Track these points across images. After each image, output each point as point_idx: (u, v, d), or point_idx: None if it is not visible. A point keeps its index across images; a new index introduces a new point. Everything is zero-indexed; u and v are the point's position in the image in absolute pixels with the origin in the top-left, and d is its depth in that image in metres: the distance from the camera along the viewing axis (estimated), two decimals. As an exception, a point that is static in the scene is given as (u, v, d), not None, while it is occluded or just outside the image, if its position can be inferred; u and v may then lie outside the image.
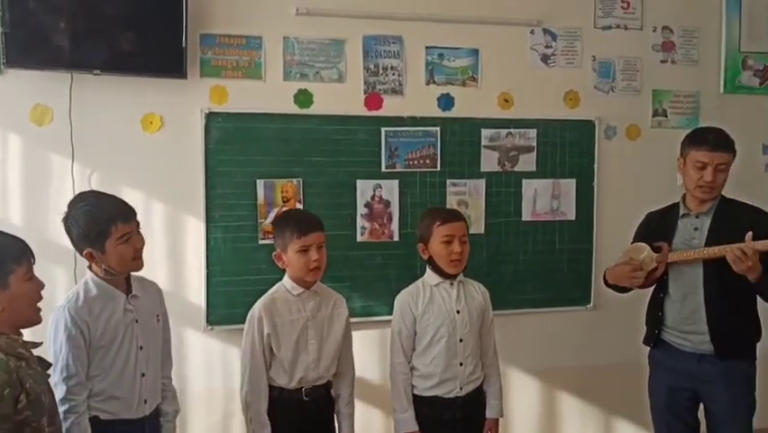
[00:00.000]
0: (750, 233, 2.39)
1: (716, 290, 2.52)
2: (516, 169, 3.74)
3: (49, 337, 2.11)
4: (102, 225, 2.11)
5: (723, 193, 2.65)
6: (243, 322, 3.34)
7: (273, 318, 2.42)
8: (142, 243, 2.24)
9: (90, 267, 2.20)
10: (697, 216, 2.64)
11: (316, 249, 2.41)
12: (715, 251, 2.46)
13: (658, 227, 2.73)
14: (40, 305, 1.90)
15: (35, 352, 1.87)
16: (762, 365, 2.66)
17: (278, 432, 2.40)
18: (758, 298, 2.59)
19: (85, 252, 2.14)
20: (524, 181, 3.76)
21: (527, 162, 3.76)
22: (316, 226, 2.46)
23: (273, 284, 3.32)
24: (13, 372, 1.72)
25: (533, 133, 3.76)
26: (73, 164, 3.21)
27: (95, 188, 3.20)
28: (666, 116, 3.93)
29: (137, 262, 2.23)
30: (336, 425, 2.56)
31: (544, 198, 3.80)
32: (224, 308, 3.42)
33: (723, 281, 2.49)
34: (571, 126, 3.81)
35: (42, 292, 1.91)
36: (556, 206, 3.82)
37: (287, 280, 2.49)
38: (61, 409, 2.01)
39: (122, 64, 3.17)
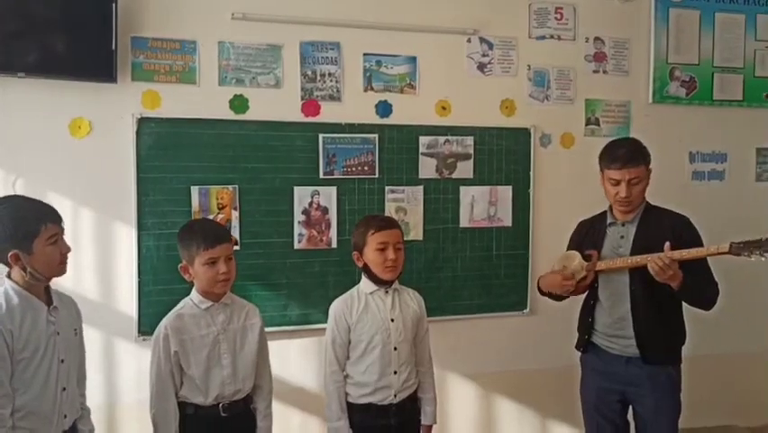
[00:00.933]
0: (668, 243, 2.46)
1: (641, 297, 2.59)
2: (453, 176, 3.77)
3: None
4: (31, 224, 2.05)
5: (649, 200, 2.72)
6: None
7: (181, 335, 2.35)
8: (68, 249, 2.19)
9: (9, 275, 2.11)
10: (623, 225, 2.71)
11: (225, 261, 2.35)
12: (637, 260, 2.53)
13: (589, 235, 2.79)
14: None
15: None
16: (686, 368, 2.74)
17: None
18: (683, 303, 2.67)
19: (10, 253, 2.06)
20: (461, 188, 3.79)
21: (465, 169, 3.79)
22: (224, 237, 2.40)
23: (207, 293, 3.28)
24: None
25: (470, 140, 3.79)
26: (-4, 170, 3.10)
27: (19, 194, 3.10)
28: (599, 125, 4.03)
29: (62, 267, 2.17)
30: None
31: (482, 205, 3.84)
32: (157, 318, 3.19)
33: (648, 289, 2.56)
34: (508, 134, 3.86)
35: None
36: (493, 212, 3.86)
37: (194, 294, 2.42)
38: None
39: (49, 67, 3.06)
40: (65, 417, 2.16)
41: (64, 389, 2.15)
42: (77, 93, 3.17)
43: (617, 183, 2.63)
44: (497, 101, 3.86)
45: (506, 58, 3.86)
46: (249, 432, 2.47)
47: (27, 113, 3.13)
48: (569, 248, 2.82)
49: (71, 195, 3.19)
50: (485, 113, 3.83)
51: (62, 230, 2.19)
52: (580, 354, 2.88)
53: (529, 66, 3.90)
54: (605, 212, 2.79)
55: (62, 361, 2.15)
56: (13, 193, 3.11)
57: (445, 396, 3.72)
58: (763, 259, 2.35)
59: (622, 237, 2.70)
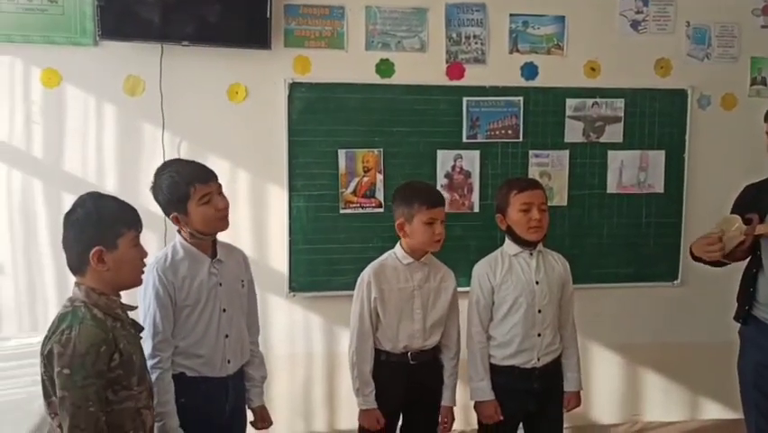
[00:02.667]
0: None
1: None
2: (601, 139, 3.64)
3: (139, 295, 2.21)
4: (182, 188, 2.19)
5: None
6: (324, 289, 3.49)
7: (381, 284, 2.48)
8: (225, 204, 2.27)
9: (179, 231, 2.29)
10: (793, 190, 2.50)
11: (441, 223, 2.45)
12: None
13: (755, 200, 2.60)
14: None
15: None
16: None
17: (385, 394, 2.47)
18: None
19: (171, 216, 2.23)
20: (609, 152, 3.65)
21: (614, 133, 3.64)
22: (443, 201, 2.53)
23: (354, 253, 3.42)
24: (110, 331, 1.80)
25: (620, 102, 3.63)
26: (163, 133, 3.34)
27: (183, 156, 3.34)
28: (765, 85, 3.72)
29: (222, 223, 2.27)
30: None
31: (631, 170, 3.68)
32: (306, 276, 3.49)
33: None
34: (662, 95, 3.66)
35: None
36: (644, 178, 3.69)
37: (398, 249, 2.54)
38: (148, 363, 2.11)
39: (209, 35, 3.25)
40: (228, 361, 2.32)
41: (227, 336, 2.30)
42: (235, 60, 3.34)
43: None
44: (651, 61, 3.66)
45: (662, 14, 3.64)
46: (436, 381, 2.58)
47: (190, 79, 3.35)
48: (732, 213, 2.64)
49: (229, 157, 3.39)
50: (637, 73, 3.65)
51: (217, 187, 2.27)
52: (737, 327, 2.71)
53: (688, 22, 3.65)
54: (774, 176, 2.59)
55: (224, 310, 2.30)
56: (178, 156, 3.36)
57: (588, 366, 3.64)
58: None
59: (791, 204, 2.49)
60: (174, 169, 2.25)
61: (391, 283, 2.49)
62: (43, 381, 1.81)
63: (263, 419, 2.52)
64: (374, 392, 2.46)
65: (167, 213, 2.26)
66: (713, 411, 3.86)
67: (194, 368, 2.26)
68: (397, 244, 2.54)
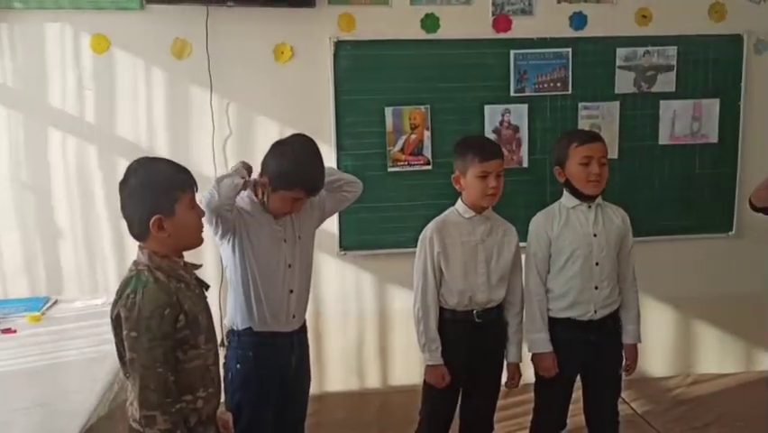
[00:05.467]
0: None
1: None
2: (653, 89, 3.56)
3: None
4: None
5: None
6: (375, 248, 3.50)
7: (444, 239, 2.48)
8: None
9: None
10: None
11: (495, 176, 2.42)
12: None
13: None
14: None
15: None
16: None
17: (451, 351, 2.47)
18: None
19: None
20: (661, 103, 3.58)
21: (666, 82, 3.56)
22: (498, 154, 2.47)
23: (403, 211, 3.42)
24: (174, 293, 1.82)
25: (672, 50, 3.54)
26: (212, 95, 3.36)
27: (231, 118, 3.37)
28: (825, 27, 3.58)
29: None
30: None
31: (684, 120, 3.60)
32: (356, 234, 3.52)
33: None
34: (716, 42, 3.56)
35: None
36: (697, 128, 3.61)
37: (459, 204, 2.53)
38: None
39: (253, -5, 3.24)
40: (293, 317, 2.37)
41: (291, 291, 2.34)
42: (280, 19, 3.33)
43: None
44: (704, 5, 3.56)
45: (717, -43, 3.51)
46: (501, 340, 2.58)
47: (236, 41, 3.35)
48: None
49: (277, 117, 3.40)
50: (690, 19, 3.55)
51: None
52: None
53: (744, -36, 3.52)
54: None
55: (290, 266, 2.34)
56: (226, 118, 3.39)
57: (642, 319, 3.60)
58: None
59: None
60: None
61: (454, 237, 2.48)
62: (116, 343, 1.86)
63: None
64: (440, 349, 2.46)
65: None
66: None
67: (260, 322, 2.30)
68: (459, 200, 2.53)
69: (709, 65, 3.57)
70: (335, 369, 3.65)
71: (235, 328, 2.34)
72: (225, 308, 2.46)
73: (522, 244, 2.61)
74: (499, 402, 2.67)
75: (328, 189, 2.43)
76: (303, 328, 2.44)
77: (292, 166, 2.20)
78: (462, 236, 2.48)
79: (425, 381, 2.52)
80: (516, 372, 2.57)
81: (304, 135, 2.31)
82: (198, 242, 1.97)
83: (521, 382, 2.58)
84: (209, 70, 3.32)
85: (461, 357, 2.47)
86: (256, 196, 2.30)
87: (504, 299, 2.55)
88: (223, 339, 2.47)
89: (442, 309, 2.49)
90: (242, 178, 2.25)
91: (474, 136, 2.64)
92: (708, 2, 3.54)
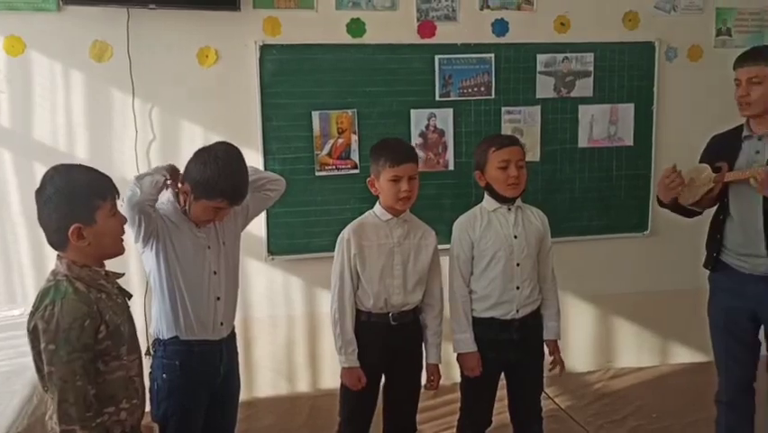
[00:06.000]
0: None
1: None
2: (572, 94, 3.68)
3: None
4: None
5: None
6: (303, 252, 3.50)
7: (360, 241, 2.50)
8: None
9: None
10: (759, 139, 2.56)
11: (407, 180, 2.45)
12: (756, 171, 2.41)
13: (722, 150, 2.66)
14: None
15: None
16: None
17: (367, 355, 2.50)
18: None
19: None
20: (580, 107, 3.70)
21: (584, 87, 3.69)
22: (410, 158, 2.49)
23: (331, 215, 3.44)
24: (94, 304, 1.79)
25: (590, 56, 3.67)
26: (134, 99, 3.29)
27: (155, 122, 3.31)
28: (731, 35, 3.79)
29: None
30: (424, 353, 2.63)
31: (602, 124, 3.74)
32: (284, 239, 3.51)
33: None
34: (630, 49, 3.71)
35: None
36: (614, 131, 3.76)
37: (377, 207, 2.56)
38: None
39: (176, -3, 3.20)
40: (221, 324, 2.33)
41: (218, 298, 2.32)
42: (204, 22, 3.29)
43: (739, 84, 2.53)
44: (619, 14, 3.70)
45: (629, -33, 3.66)
46: (417, 342, 2.61)
47: (159, 43, 3.29)
48: (700, 162, 2.71)
49: (202, 121, 3.36)
50: (606, 27, 3.69)
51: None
52: (706, 275, 2.80)
53: (655, -26, 3.69)
54: (741, 126, 2.65)
55: (215, 272, 2.30)
56: (149, 122, 3.33)
57: (563, 317, 3.69)
58: None
59: (757, 152, 2.56)
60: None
61: (371, 240, 2.51)
62: (33, 356, 1.80)
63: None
64: (356, 351, 2.49)
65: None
66: (683, 356, 4.01)
67: (187, 331, 2.27)
68: (377, 203, 2.56)
69: (624, 71, 3.72)
70: (265, 374, 3.64)
71: (161, 338, 2.29)
72: (151, 317, 2.41)
73: (446, 247, 2.67)
74: (427, 403, 2.72)
75: (251, 190, 2.41)
76: (231, 335, 2.42)
77: (214, 176, 2.15)
78: (379, 239, 2.51)
79: (342, 383, 2.54)
80: (434, 373, 2.62)
81: (227, 143, 2.27)
82: (120, 250, 1.93)
83: (449, 382, 2.63)
84: (131, 73, 3.25)
85: (376, 359, 2.51)
86: (179, 203, 2.27)
87: (422, 301, 2.59)
88: (148, 348, 2.43)
89: (358, 311, 2.52)
90: (163, 176, 2.21)
91: (388, 140, 2.65)
92: (623, 11, 3.69)
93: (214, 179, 2.15)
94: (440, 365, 2.62)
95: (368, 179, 2.54)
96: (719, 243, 2.68)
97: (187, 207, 2.24)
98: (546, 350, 2.71)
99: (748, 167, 2.55)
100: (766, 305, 2.57)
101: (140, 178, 2.19)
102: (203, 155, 2.21)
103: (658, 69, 3.73)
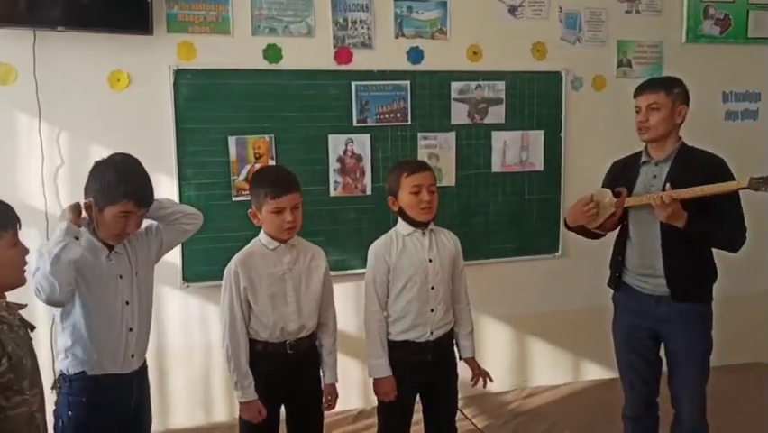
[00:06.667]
0: (668, 184, 2.53)
1: (672, 235, 2.61)
2: (485, 121, 3.80)
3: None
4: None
5: (684, 141, 2.73)
6: (220, 279, 3.41)
7: (249, 272, 2.45)
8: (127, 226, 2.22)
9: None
10: (656, 164, 2.72)
11: (291, 210, 2.41)
12: (653, 197, 2.55)
13: (622, 175, 2.81)
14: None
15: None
16: (718, 306, 2.77)
17: (266, 385, 2.45)
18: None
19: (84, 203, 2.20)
20: (493, 133, 3.82)
21: (496, 114, 3.81)
22: (291, 188, 2.44)
23: (248, 240, 3.35)
24: None
25: (501, 85, 3.80)
26: (40, 123, 3.19)
27: (63, 147, 3.21)
28: (631, 66, 4.00)
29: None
30: (321, 374, 2.62)
31: (514, 150, 3.86)
32: (200, 265, 3.45)
33: (677, 226, 2.57)
34: (539, 78, 3.86)
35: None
36: (525, 157, 3.89)
37: (262, 236, 2.52)
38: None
39: (86, 20, 3.13)
40: (132, 357, 2.27)
41: (131, 330, 2.25)
42: (116, 46, 3.23)
43: (639, 111, 2.70)
44: (528, 45, 3.85)
45: (537, 0, 3.82)
46: (314, 368, 2.59)
47: (68, 67, 3.21)
48: (603, 187, 2.84)
49: (113, 146, 3.17)
50: (516, 57, 3.83)
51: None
52: (612, 292, 2.93)
53: (560, 8, 3.87)
54: (640, 152, 2.81)
55: (127, 303, 2.24)
56: (57, 147, 3.23)
57: (479, 338, 3.75)
58: None
59: (654, 177, 2.71)
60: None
61: (260, 270, 2.46)
62: None
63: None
64: (253, 384, 2.43)
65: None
66: (594, 372, 4.15)
67: (95, 365, 2.19)
68: (261, 231, 2.54)
69: (534, 99, 3.87)
70: (180, 404, 3.54)
71: (67, 373, 2.20)
72: (56, 351, 2.31)
73: (362, 271, 2.69)
74: (347, 427, 2.71)
75: (166, 223, 2.38)
76: (143, 368, 2.35)
77: (114, 179, 2.12)
78: (268, 268, 2.47)
79: (240, 417, 2.50)
80: (332, 393, 2.62)
81: (124, 153, 2.26)
82: (21, 281, 1.86)
83: (368, 406, 2.63)
84: (37, 97, 3.15)
85: (275, 390, 2.48)
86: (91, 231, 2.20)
87: (317, 323, 2.58)
88: (54, 383, 2.33)
89: (253, 342, 2.47)
90: (76, 237, 2.10)
91: (266, 169, 2.65)
92: (531, 41, 3.85)
93: (115, 182, 2.12)
94: (346, 386, 2.61)
95: (249, 211, 2.50)
96: (621, 264, 2.82)
97: (94, 225, 2.17)
98: (464, 371, 2.76)
99: (646, 191, 2.70)
100: (665, 323, 2.71)
101: (54, 261, 2.04)
102: (100, 166, 2.18)
103: (565, 98, 3.90)
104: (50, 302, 2.08)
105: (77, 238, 2.10)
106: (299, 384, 2.53)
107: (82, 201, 2.20)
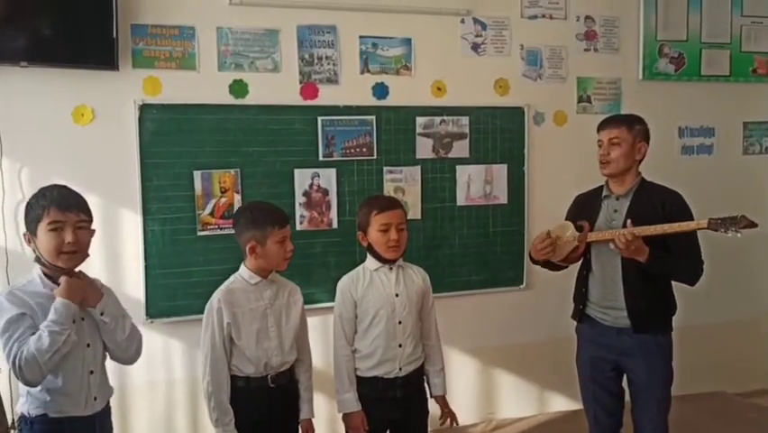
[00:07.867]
0: (629, 220, 2.60)
1: (632, 268, 2.67)
2: (450, 155, 3.85)
3: None
4: (35, 209, 2.13)
5: (643, 177, 2.81)
6: (185, 315, 3.40)
7: (233, 308, 2.46)
8: (70, 240, 2.14)
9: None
10: (617, 199, 2.80)
11: (290, 240, 2.53)
12: (616, 234, 2.61)
13: (585, 208, 2.88)
14: None
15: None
16: (677, 337, 2.83)
17: (247, 420, 2.44)
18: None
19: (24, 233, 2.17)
20: (458, 167, 3.88)
21: (461, 149, 3.87)
22: (287, 220, 2.56)
23: (213, 276, 3.34)
24: None
25: (465, 120, 3.86)
26: (1, 158, 3.15)
27: (24, 183, 3.16)
28: (590, 102, 4.11)
29: (64, 256, 2.16)
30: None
31: (478, 183, 3.92)
32: (164, 301, 3.41)
33: (639, 261, 2.63)
34: (502, 113, 3.94)
35: None
36: (489, 190, 3.95)
37: (243, 271, 2.53)
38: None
39: (51, 56, 3.12)
40: (95, 399, 2.22)
41: (92, 372, 2.21)
42: (80, 81, 3.21)
43: (601, 145, 2.79)
44: (491, 81, 3.93)
45: (499, 38, 3.92)
46: (294, 402, 2.60)
47: (31, 102, 3.18)
48: (565, 220, 2.90)
49: (76, 182, 3.12)
50: (479, 93, 3.91)
51: (69, 221, 2.13)
52: (576, 324, 2.98)
53: (522, 45, 3.97)
54: (602, 186, 2.88)
55: (88, 345, 2.20)
56: (18, 182, 3.18)
57: (447, 370, 3.81)
58: (738, 235, 2.44)
59: (615, 211, 2.79)
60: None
61: (242, 305, 2.48)
62: None
63: None
64: (233, 420, 2.42)
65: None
66: (559, 404, 4.18)
67: (57, 408, 2.14)
68: (242, 266, 2.54)
69: (497, 134, 3.94)
70: (143, 443, 3.47)
71: (28, 415, 2.14)
72: (18, 393, 2.24)
73: (331, 305, 2.69)
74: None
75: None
76: (106, 410, 2.30)
77: (37, 196, 2.15)
78: (251, 303, 2.50)
79: None
80: (309, 429, 2.62)
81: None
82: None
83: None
84: (-1, 132, 3.12)
85: (256, 425, 2.46)
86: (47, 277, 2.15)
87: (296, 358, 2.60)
88: (13, 424, 2.28)
89: (235, 377, 2.47)
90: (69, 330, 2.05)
91: (261, 204, 2.64)
92: (494, 77, 3.93)
93: (36, 197, 2.15)
94: (323, 422, 2.60)
95: (247, 245, 2.49)
96: (584, 296, 2.87)
97: (36, 253, 2.14)
98: (435, 405, 2.77)
99: (607, 225, 2.77)
100: (627, 355, 2.76)
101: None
102: (29, 201, 2.18)
103: (528, 132, 3.98)
104: (28, 385, 2.04)
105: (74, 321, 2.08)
106: (279, 419, 2.52)
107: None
